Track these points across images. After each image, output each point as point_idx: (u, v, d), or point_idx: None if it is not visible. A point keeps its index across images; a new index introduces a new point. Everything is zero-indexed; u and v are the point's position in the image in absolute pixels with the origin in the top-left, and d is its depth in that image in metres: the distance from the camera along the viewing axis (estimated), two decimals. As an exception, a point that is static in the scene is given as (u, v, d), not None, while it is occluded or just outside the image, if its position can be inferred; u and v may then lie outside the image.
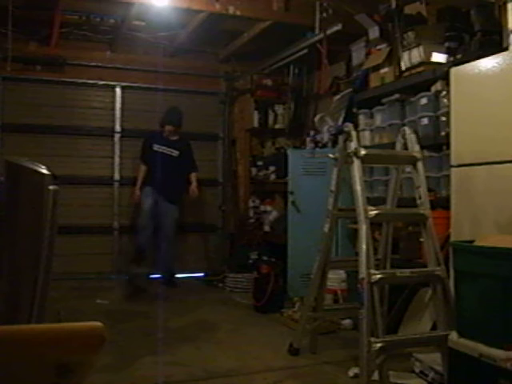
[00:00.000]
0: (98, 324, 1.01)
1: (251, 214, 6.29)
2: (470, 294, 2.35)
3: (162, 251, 5.52)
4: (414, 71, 3.80)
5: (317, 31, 5.02)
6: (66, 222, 5.22)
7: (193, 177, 5.66)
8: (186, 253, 6.27)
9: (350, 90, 4.84)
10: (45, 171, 1.48)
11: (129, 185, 6.12)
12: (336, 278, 4.11)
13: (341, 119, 4.83)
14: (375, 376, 2.63)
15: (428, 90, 3.65)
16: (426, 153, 3.47)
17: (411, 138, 3.05)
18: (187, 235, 6.33)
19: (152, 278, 5.55)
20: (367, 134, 4.37)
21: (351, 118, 4.49)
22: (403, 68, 3.90)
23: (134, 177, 5.89)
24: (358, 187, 2.77)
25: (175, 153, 5.58)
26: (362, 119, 4.45)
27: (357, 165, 2.83)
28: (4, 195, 1.74)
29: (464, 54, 3.35)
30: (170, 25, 5.63)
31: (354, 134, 2.93)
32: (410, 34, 3.87)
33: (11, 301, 1.64)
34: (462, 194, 3.03)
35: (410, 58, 3.81)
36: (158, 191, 5.44)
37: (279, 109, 6.36)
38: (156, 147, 5.56)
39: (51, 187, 1.43)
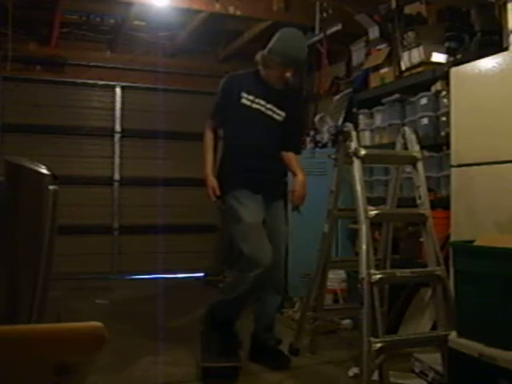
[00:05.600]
0: (98, 324, 1.01)
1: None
2: (470, 294, 2.35)
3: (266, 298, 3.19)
4: (414, 71, 3.80)
5: (317, 31, 5.03)
6: (65, 222, 5.22)
7: (293, 161, 3.14)
8: (186, 253, 6.27)
9: (350, 90, 4.84)
10: (45, 171, 1.48)
11: (129, 185, 6.14)
12: (336, 278, 4.11)
13: (341, 119, 4.83)
14: (375, 376, 2.62)
15: (428, 90, 3.65)
16: (426, 153, 3.47)
17: (411, 138, 3.05)
18: (187, 235, 6.33)
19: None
20: (367, 134, 4.37)
21: (351, 118, 4.49)
22: (403, 68, 3.90)
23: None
24: (358, 187, 2.77)
25: (280, 114, 3.06)
26: (361, 119, 4.44)
27: (357, 165, 2.83)
28: (4, 195, 1.74)
29: (464, 53, 3.35)
30: (170, 25, 5.64)
31: (353, 134, 2.93)
32: (410, 34, 3.87)
33: (11, 301, 1.64)
34: (462, 193, 3.03)
35: (410, 58, 3.81)
36: (257, 183, 3.02)
37: (279, 109, 6.36)
38: (248, 98, 3.01)
39: (51, 187, 1.43)
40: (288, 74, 2.93)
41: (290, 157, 3.13)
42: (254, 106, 2.98)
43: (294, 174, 3.13)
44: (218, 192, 3.03)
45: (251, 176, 2.99)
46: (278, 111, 3.03)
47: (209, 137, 3.12)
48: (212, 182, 3.03)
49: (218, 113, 3.12)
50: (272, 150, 3.06)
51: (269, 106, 2.99)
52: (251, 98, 2.98)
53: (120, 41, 5.92)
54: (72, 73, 5.93)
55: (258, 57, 3.00)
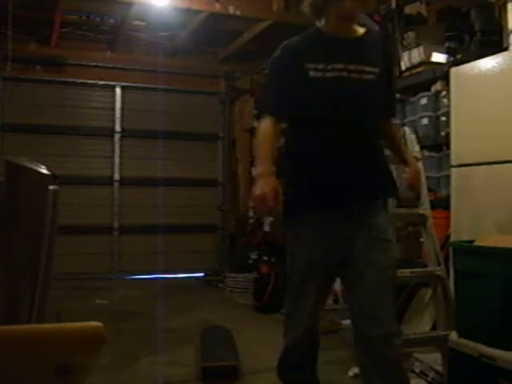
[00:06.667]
0: (98, 324, 1.01)
1: (251, 213, 6.30)
2: (470, 294, 2.35)
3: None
4: (414, 71, 3.80)
5: (317, 31, 5.02)
6: (66, 222, 5.22)
7: (397, 139, 2.29)
8: (186, 253, 6.28)
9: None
10: (45, 171, 1.48)
11: (129, 185, 6.14)
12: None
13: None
14: (375, 376, 2.62)
15: (428, 90, 3.66)
16: (426, 153, 3.47)
17: (411, 138, 3.05)
18: (187, 235, 6.33)
19: None
20: (367, 133, 4.37)
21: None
22: (403, 68, 3.90)
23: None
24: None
25: (371, 72, 2.03)
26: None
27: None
28: (4, 195, 1.75)
29: (464, 53, 3.35)
30: (170, 25, 5.64)
31: (354, 133, 2.92)
32: (410, 34, 3.87)
33: (11, 301, 1.64)
34: (462, 194, 3.03)
35: (410, 58, 3.82)
36: (344, 194, 2.00)
37: (279, 109, 6.36)
38: (317, 68, 1.99)
39: (51, 187, 1.43)
40: (351, 4, 1.95)
41: (392, 132, 2.21)
42: (329, 74, 1.96)
43: (403, 160, 2.22)
44: (271, 202, 1.87)
45: (336, 185, 1.97)
46: (368, 68, 2.00)
47: (265, 131, 2.05)
48: (268, 183, 1.89)
49: (279, 102, 2.07)
50: (371, 127, 2.05)
51: (351, 66, 1.98)
52: (322, 66, 1.97)
53: (120, 41, 5.92)
54: (72, 73, 5.93)
55: (306, 7, 2.06)
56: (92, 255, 5.93)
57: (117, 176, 6.14)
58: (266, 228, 5.86)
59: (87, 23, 5.77)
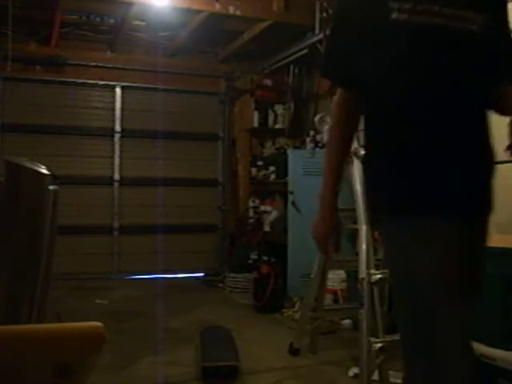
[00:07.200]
0: (98, 324, 1.01)
1: (251, 213, 6.29)
2: (470, 293, 2.35)
3: None
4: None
5: (317, 31, 5.03)
6: (66, 222, 5.22)
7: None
8: (186, 253, 6.27)
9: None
10: (45, 171, 1.48)
11: (129, 185, 6.14)
12: (336, 278, 4.11)
13: (341, 119, 4.80)
14: (375, 376, 2.63)
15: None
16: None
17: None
18: (187, 235, 6.33)
19: None
20: (367, 133, 4.37)
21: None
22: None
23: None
24: (358, 187, 2.78)
25: (475, 20, 1.39)
26: (361, 119, 4.44)
27: (357, 165, 2.83)
28: (4, 195, 1.75)
29: (464, 53, 3.35)
30: (170, 25, 5.64)
31: (354, 134, 2.91)
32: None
33: (11, 301, 1.64)
34: (462, 193, 3.03)
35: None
36: (446, 184, 1.43)
37: (279, 109, 6.37)
38: (402, 9, 1.36)
39: (51, 187, 1.43)
40: None
41: None
42: (419, 19, 1.36)
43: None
44: (324, 244, 1.67)
45: (435, 169, 1.43)
46: (470, 14, 1.40)
47: (335, 115, 1.65)
48: (328, 221, 1.62)
49: (349, 60, 1.47)
50: (476, 98, 1.57)
51: (447, 10, 1.37)
52: (408, 5, 1.36)
53: (120, 41, 5.92)
54: (72, 73, 5.93)
55: None
56: (92, 255, 5.93)
57: (117, 176, 6.14)
58: (266, 228, 5.87)
59: (87, 23, 5.77)
